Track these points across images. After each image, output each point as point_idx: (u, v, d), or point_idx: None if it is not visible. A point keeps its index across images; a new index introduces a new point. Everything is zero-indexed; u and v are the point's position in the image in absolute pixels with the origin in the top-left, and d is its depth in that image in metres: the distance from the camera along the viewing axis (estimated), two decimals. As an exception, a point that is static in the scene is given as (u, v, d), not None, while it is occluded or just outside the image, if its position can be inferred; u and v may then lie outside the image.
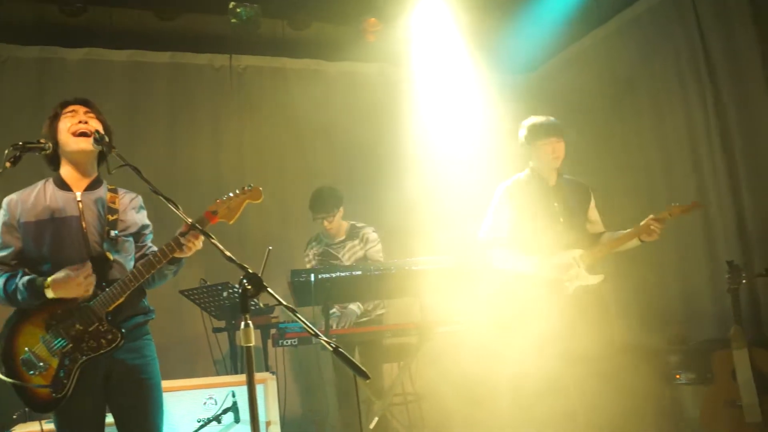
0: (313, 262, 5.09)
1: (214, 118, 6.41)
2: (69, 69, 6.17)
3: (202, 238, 2.72)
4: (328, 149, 6.56)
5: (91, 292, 2.68)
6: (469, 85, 6.33)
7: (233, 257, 2.32)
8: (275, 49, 6.60)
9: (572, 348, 3.65)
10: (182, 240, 2.69)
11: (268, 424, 4.18)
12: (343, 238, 5.08)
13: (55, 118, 2.87)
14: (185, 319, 5.56)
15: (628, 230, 4.01)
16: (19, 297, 2.68)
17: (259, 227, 5.94)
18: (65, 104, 2.91)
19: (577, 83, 6.57)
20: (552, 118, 4.17)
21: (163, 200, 2.49)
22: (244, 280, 2.25)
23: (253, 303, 4.78)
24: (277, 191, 6.33)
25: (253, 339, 2.28)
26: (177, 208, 2.47)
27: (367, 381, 2.41)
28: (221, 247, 2.39)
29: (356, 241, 5.06)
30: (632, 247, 4.10)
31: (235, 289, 4.72)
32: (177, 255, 2.74)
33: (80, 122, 2.82)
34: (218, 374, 5.47)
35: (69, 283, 2.63)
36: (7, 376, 2.70)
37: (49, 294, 2.65)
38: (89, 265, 2.69)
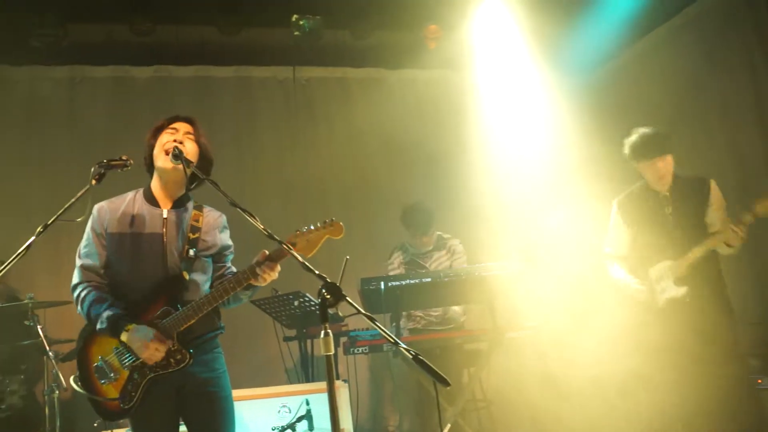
0: (399, 270, 5.13)
1: (279, 131, 6.52)
2: (139, 86, 6.42)
3: (278, 268, 2.73)
4: (390, 157, 6.57)
5: (152, 363, 2.70)
6: (532, 88, 6.24)
7: (311, 267, 2.34)
8: (337, 60, 6.67)
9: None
10: (258, 270, 2.70)
11: (341, 431, 4.21)
12: (430, 248, 5.13)
13: (159, 130, 2.92)
14: (257, 328, 5.63)
15: (708, 239, 3.88)
16: (99, 326, 2.72)
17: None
18: (173, 119, 2.95)
19: (641, 83, 6.43)
20: (652, 131, 4.00)
21: (241, 213, 2.53)
22: (324, 290, 2.26)
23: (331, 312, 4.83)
24: (341, 201, 6.38)
25: (333, 347, 2.29)
26: (255, 220, 2.50)
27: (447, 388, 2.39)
28: (298, 256, 2.41)
29: (443, 252, 5.10)
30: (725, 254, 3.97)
31: (307, 298, 4.76)
32: (252, 283, 2.75)
33: (176, 141, 2.85)
34: (290, 383, 5.53)
35: (142, 344, 2.66)
36: (81, 380, 2.78)
37: (123, 337, 2.69)
38: (168, 343, 2.70)
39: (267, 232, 2.50)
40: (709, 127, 5.79)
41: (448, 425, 4.39)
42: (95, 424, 4.95)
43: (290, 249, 2.54)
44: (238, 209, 2.55)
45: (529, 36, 6.22)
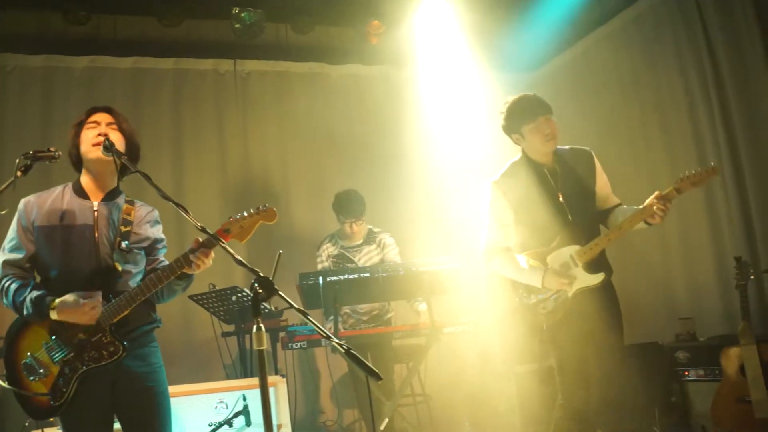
0: (326, 263, 5.11)
1: (219, 124, 6.44)
2: (74, 77, 6.21)
3: (212, 255, 2.69)
4: (332, 152, 6.57)
5: (94, 322, 2.64)
6: (473, 85, 6.31)
7: (244, 261, 2.34)
8: (279, 54, 6.62)
9: (578, 348, 3.41)
10: (192, 257, 2.66)
11: (279, 427, 4.20)
12: (360, 242, 5.11)
13: (80, 126, 2.87)
14: (195, 324, 5.60)
15: (630, 215, 3.39)
16: (25, 311, 2.67)
17: (265, 231, 5.95)
18: (90, 112, 2.91)
19: (581, 81, 6.59)
20: (532, 94, 3.59)
21: (174, 206, 2.51)
22: (256, 284, 2.26)
23: (263, 307, 4.80)
24: (282, 195, 6.36)
25: (266, 342, 2.29)
26: (187, 213, 2.49)
27: (378, 382, 2.42)
28: (232, 251, 2.41)
29: (373, 246, 5.09)
30: (637, 229, 3.46)
31: (244, 293, 4.74)
32: (186, 271, 2.72)
33: (100, 134, 2.80)
34: (228, 378, 5.49)
35: (75, 311, 2.62)
36: (8, 379, 2.71)
37: (53, 315, 2.63)
38: (99, 295, 2.66)
39: (199, 225, 2.48)
40: (646, 125, 5.99)
41: (386, 420, 4.42)
42: (26, 424, 4.82)
43: (222, 242, 2.52)
44: (171, 202, 2.53)
45: (470, 33, 6.28)
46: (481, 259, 3.71)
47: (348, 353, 2.26)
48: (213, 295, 4.85)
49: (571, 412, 3.44)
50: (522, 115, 3.52)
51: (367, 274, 4.39)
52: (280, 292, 2.28)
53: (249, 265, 2.32)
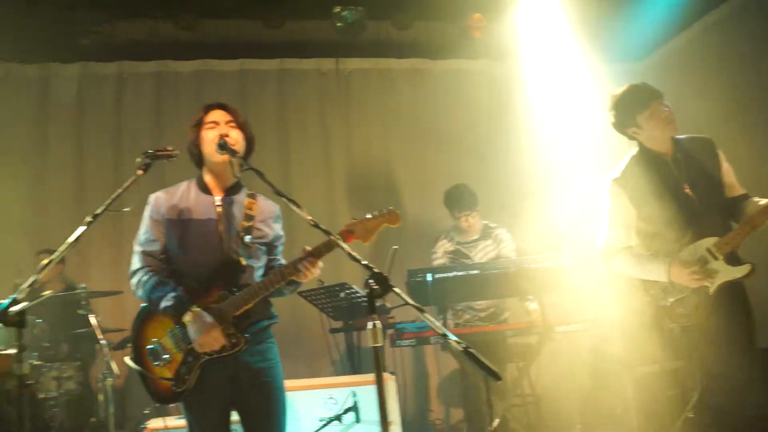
0: (442, 260, 5.05)
1: (323, 123, 6.52)
2: (183, 81, 6.52)
3: (319, 264, 2.73)
4: (437, 148, 6.50)
5: (203, 350, 2.72)
6: (578, 77, 6.09)
7: (358, 257, 2.31)
8: (380, 51, 6.62)
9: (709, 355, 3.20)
10: (300, 266, 2.71)
11: (388, 424, 4.17)
12: (476, 237, 5.03)
13: (199, 126, 2.94)
14: (303, 320, 5.67)
15: (763, 207, 3.09)
16: (162, 304, 2.74)
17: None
18: (207, 110, 2.98)
19: (690, 69, 6.25)
20: (638, 82, 3.41)
21: (287, 202, 2.52)
22: (371, 280, 2.23)
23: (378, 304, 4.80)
24: (387, 192, 6.35)
25: (382, 339, 2.26)
26: (302, 210, 2.49)
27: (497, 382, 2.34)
28: (347, 248, 2.38)
29: (489, 241, 5.00)
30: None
31: (353, 290, 4.75)
32: (294, 279, 2.76)
33: (221, 135, 2.86)
34: (335, 374, 5.54)
35: (203, 330, 2.69)
36: (135, 362, 2.82)
37: (187, 317, 2.72)
38: (222, 340, 2.72)
39: (313, 222, 2.47)
40: (762, 112, 5.59)
41: (497, 420, 4.31)
42: (146, 411, 5.04)
43: (337, 240, 2.50)
44: (284, 199, 2.54)
45: (575, 23, 6.06)
46: (600, 258, 3.51)
47: (466, 352, 2.19)
48: (322, 291, 4.89)
49: (711, 416, 3.22)
50: (634, 104, 3.33)
51: (477, 272, 4.29)
52: (395, 289, 2.25)
53: (364, 261, 2.29)
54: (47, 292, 4.07)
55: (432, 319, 2.29)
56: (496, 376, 2.22)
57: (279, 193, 2.55)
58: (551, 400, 5.46)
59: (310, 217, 2.47)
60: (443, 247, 5.07)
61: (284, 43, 6.49)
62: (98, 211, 2.48)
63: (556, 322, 4.33)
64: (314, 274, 2.74)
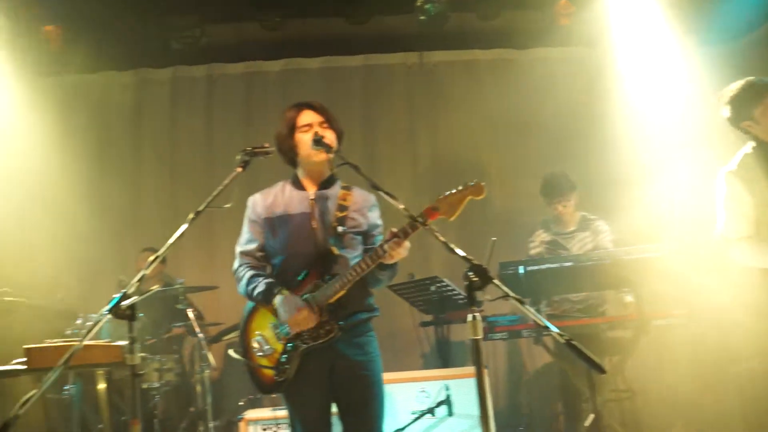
0: (539, 249, 4.96)
1: (409, 116, 6.54)
2: (270, 80, 6.71)
3: (406, 245, 2.73)
4: (525, 139, 6.37)
5: (297, 330, 2.80)
6: (671, 60, 5.86)
7: (456, 249, 2.29)
8: (465, 42, 6.57)
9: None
10: (385, 247, 2.72)
11: (488, 418, 4.13)
12: (573, 228, 4.92)
13: (293, 129, 3.00)
14: (394, 313, 5.67)
15: None
16: (254, 294, 2.91)
17: (463, 221, 5.87)
18: (298, 110, 3.03)
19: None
20: (753, 77, 3.42)
21: (383, 195, 2.54)
22: (470, 272, 2.21)
23: (461, 296, 4.77)
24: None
25: (481, 331, 2.24)
26: (397, 201, 2.50)
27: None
28: (443, 239, 2.37)
29: (587, 233, 4.87)
30: None
31: (443, 283, 4.73)
32: (382, 261, 2.77)
33: (316, 134, 2.91)
34: (425, 368, 5.54)
35: (289, 312, 2.79)
36: (242, 354, 2.96)
37: (275, 301, 2.83)
38: (316, 316, 2.79)
39: (407, 212, 2.53)
40: None
41: (591, 416, 4.22)
42: (241, 403, 5.19)
43: (435, 234, 2.47)
44: (380, 191, 2.56)
45: (667, 5, 5.83)
46: (718, 248, 3.50)
47: (569, 344, 2.14)
48: (412, 285, 4.90)
49: None
50: (750, 99, 3.36)
51: (570, 263, 4.19)
52: (495, 281, 2.22)
53: (462, 253, 2.27)
54: (155, 287, 4.27)
55: (532, 311, 2.25)
56: (601, 369, 2.18)
57: (374, 186, 2.57)
58: (647, 396, 5.29)
59: (402, 206, 2.51)
60: (540, 236, 4.97)
61: (368, 38, 6.53)
62: (200, 208, 2.56)
63: (653, 315, 4.19)
64: (401, 255, 2.75)
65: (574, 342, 2.14)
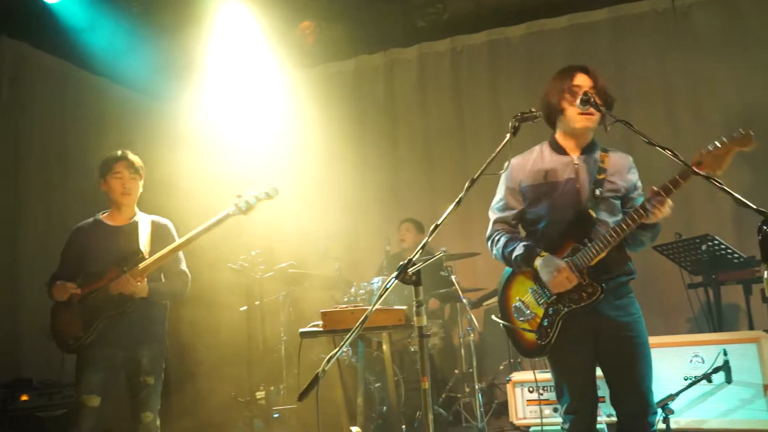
0: None
1: (662, 66, 6.13)
2: (513, 45, 6.71)
3: (669, 203, 2.61)
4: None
5: (558, 290, 2.80)
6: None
7: (748, 202, 2.14)
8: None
9: None
10: (648, 206, 2.63)
11: (766, 387, 3.82)
12: None
13: (562, 90, 2.95)
14: (658, 274, 5.45)
15: None
16: (513, 257, 2.93)
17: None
18: (572, 72, 2.97)
19: None
20: None
21: (660, 150, 2.43)
22: (765, 226, 2.06)
23: (737, 255, 4.43)
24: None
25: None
26: (676, 156, 2.39)
27: None
28: (731, 191, 2.22)
29: None
30: None
31: (716, 242, 4.43)
32: (644, 221, 2.68)
33: (585, 91, 2.85)
34: (692, 331, 5.25)
35: (551, 273, 2.79)
36: (503, 319, 3.02)
37: (536, 263, 2.84)
38: (578, 276, 2.78)
39: (686, 164, 2.42)
40: None
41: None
42: (501, 367, 5.32)
43: (713, 179, 2.32)
44: (656, 147, 2.45)
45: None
46: None
47: None
48: (680, 244, 4.66)
49: None
50: None
51: None
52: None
53: (754, 206, 2.12)
54: (439, 252, 4.53)
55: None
56: None
57: (650, 143, 2.46)
58: None
59: (669, 152, 2.37)
60: None
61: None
62: (475, 176, 2.63)
63: None
64: (664, 213, 2.64)
65: None
